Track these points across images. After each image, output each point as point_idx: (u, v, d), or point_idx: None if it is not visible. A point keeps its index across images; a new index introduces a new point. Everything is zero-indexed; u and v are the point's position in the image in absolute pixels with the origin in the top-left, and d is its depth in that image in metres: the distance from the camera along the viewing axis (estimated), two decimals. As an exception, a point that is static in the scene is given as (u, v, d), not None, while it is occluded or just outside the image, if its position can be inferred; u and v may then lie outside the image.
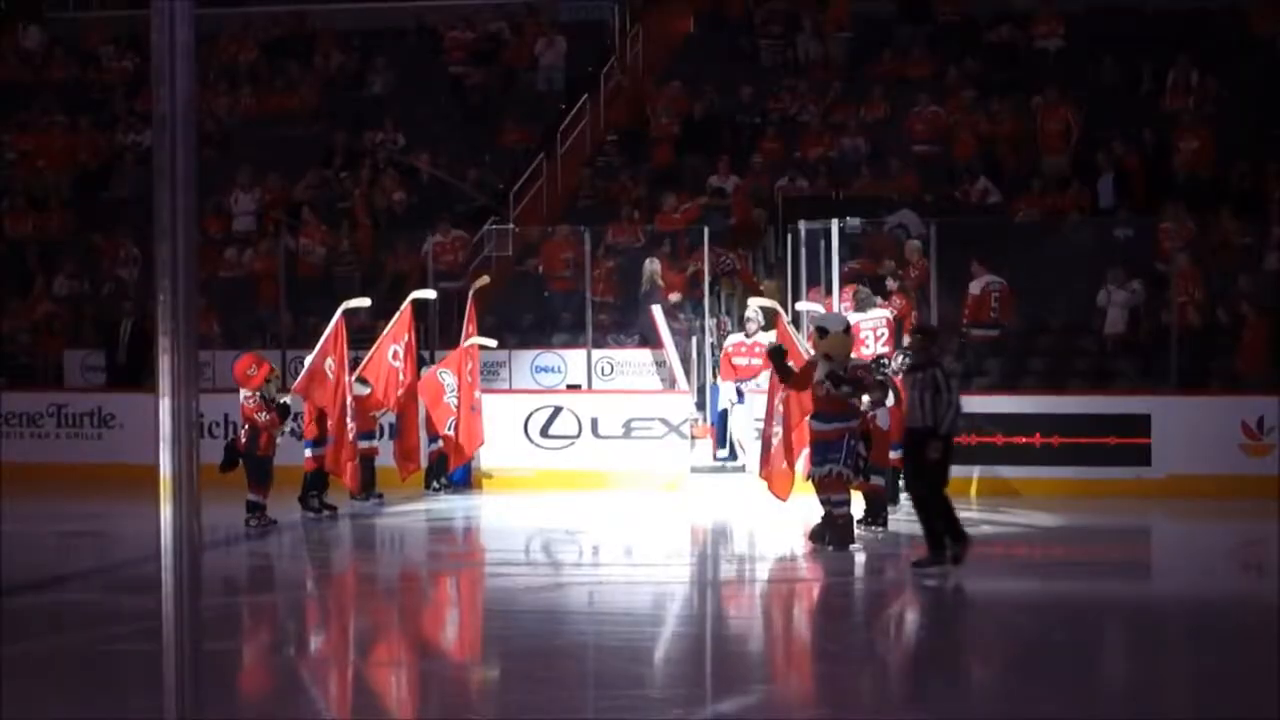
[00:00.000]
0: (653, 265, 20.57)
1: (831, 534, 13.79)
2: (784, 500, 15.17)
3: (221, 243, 23.37)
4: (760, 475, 15.60)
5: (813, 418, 14.06)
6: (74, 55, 28.81)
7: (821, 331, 14.05)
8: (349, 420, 16.52)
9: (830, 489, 13.78)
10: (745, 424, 18.33)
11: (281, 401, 15.95)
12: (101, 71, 28.37)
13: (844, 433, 13.78)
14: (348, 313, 17.04)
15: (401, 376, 17.42)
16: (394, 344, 17.37)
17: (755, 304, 18.23)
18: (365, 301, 17.89)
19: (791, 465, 15.14)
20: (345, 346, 16.64)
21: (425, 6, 28.67)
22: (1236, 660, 9.92)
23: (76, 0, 30.68)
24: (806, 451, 16.65)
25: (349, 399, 16.55)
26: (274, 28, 28.73)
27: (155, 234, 4.16)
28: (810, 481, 14.23)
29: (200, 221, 4.82)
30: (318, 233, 23.19)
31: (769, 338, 18.54)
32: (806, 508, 15.73)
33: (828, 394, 13.74)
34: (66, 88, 27.98)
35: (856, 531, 14.08)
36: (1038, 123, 22.98)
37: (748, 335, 18.39)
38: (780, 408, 14.94)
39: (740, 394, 18.38)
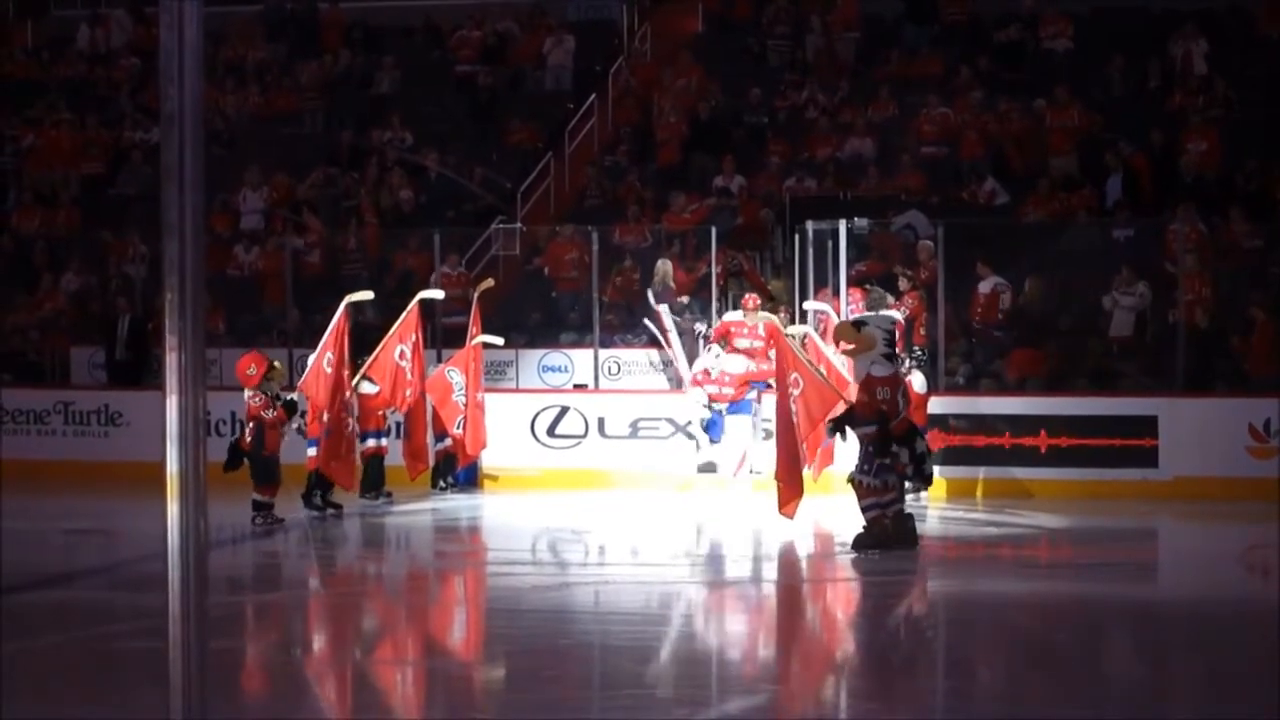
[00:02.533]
0: (665, 265, 20.54)
1: (866, 538, 13.74)
2: (790, 518, 14.87)
3: (229, 241, 23.38)
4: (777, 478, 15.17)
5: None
6: (82, 52, 28.83)
7: (859, 325, 14.05)
8: (348, 417, 16.53)
9: (858, 495, 13.82)
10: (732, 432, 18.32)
11: (288, 398, 15.98)
12: (109, 68, 28.38)
13: (862, 438, 13.77)
14: (352, 306, 17.01)
15: (409, 376, 17.40)
16: (401, 344, 17.33)
17: (754, 307, 18.32)
18: (368, 294, 17.68)
19: (797, 477, 14.81)
20: (346, 341, 16.60)
21: (433, 5, 28.67)
22: (1242, 663, 9.91)
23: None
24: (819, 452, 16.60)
25: (349, 395, 16.56)
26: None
27: (163, 232, 4.15)
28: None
29: (208, 219, 4.82)
30: (318, 231, 23.20)
31: (768, 319, 18.53)
32: (814, 509, 15.72)
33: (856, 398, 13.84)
34: (74, 84, 27.99)
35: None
36: (1045, 123, 22.96)
37: (746, 315, 18.34)
38: (794, 406, 14.71)
39: (712, 408, 18.25)
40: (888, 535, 13.67)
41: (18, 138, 26.60)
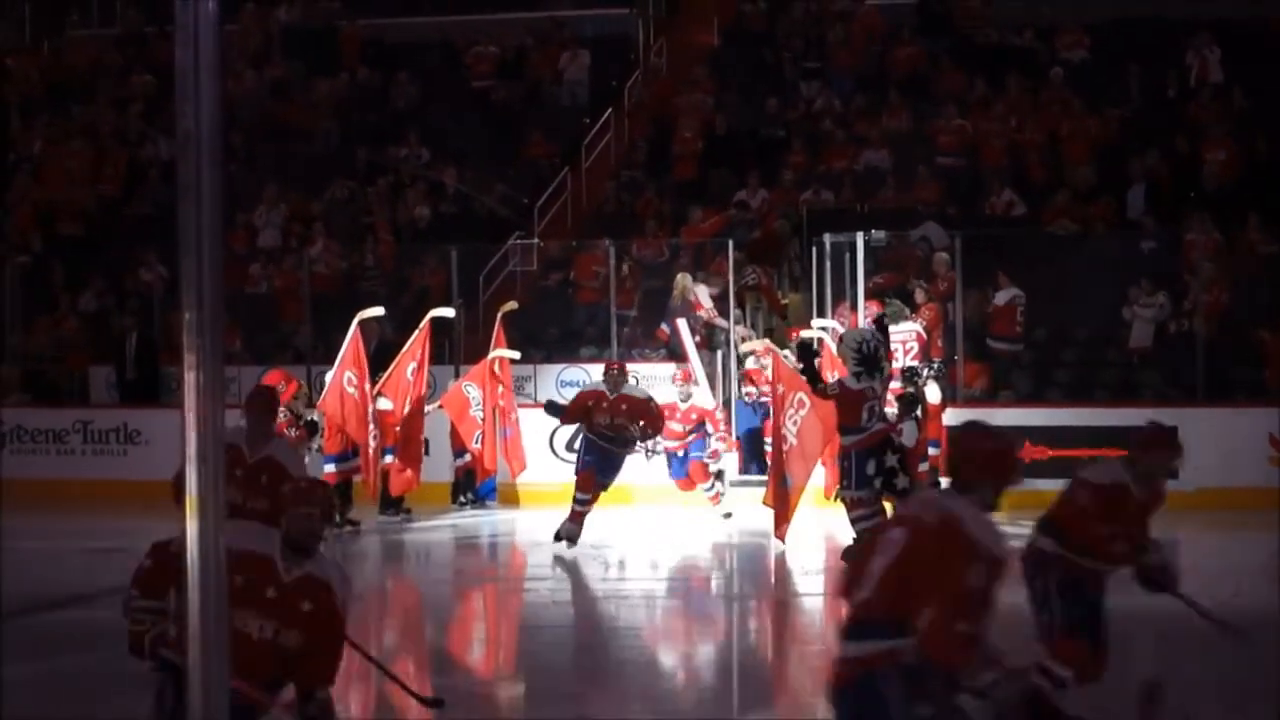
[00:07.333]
0: (684, 280, 20.46)
1: (856, 550, 13.81)
2: (781, 540, 15.02)
3: (246, 258, 23.39)
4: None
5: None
6: (98, 69, 28.86)
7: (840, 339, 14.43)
8: (371, 428, 16.63)
9: (848, 508, 13.91)
10: None
11: (309, 418, 15.99)
12: (124, 85, 28.37)
13: (848, 449, 13.87)
14: (364, 323, 17.10)
15: (411, 391, 17.48)
16: (411, 361, 17.44)
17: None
18: (379, 310, 17.77)
19: (784, 501, 14.95)
20: (365, 357, 16.73)
21: (449, 21, 28.68)
22: (1264, 674, 9.85)
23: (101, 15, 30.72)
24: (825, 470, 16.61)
25: (371, 409, 16.67)
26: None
27: (180, 250, 4.14)
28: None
29: (225, 237, 4.80)
30: (332, 247, 23.22)
31: (762, 355, 18.52)
32: (831, 521, 15.70)
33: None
34: (90, 101, 27.98)
35: None
36: (1063, 134, 22.89)
37: (681, 400, 17.97)
38: (791, 427, 14.83)
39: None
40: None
41: (34, 156, 26.63)
